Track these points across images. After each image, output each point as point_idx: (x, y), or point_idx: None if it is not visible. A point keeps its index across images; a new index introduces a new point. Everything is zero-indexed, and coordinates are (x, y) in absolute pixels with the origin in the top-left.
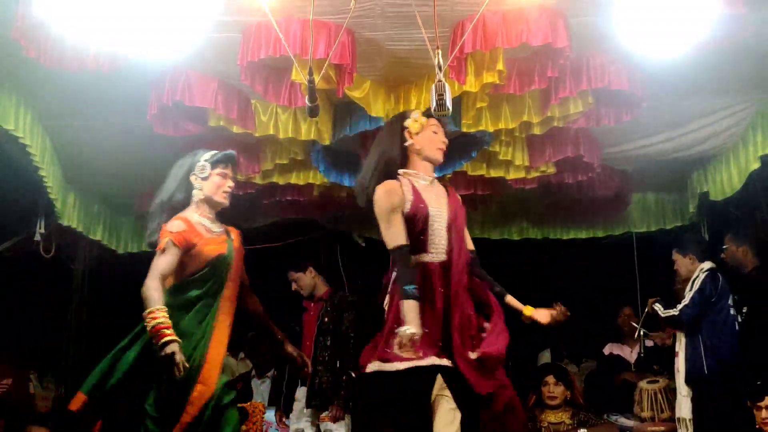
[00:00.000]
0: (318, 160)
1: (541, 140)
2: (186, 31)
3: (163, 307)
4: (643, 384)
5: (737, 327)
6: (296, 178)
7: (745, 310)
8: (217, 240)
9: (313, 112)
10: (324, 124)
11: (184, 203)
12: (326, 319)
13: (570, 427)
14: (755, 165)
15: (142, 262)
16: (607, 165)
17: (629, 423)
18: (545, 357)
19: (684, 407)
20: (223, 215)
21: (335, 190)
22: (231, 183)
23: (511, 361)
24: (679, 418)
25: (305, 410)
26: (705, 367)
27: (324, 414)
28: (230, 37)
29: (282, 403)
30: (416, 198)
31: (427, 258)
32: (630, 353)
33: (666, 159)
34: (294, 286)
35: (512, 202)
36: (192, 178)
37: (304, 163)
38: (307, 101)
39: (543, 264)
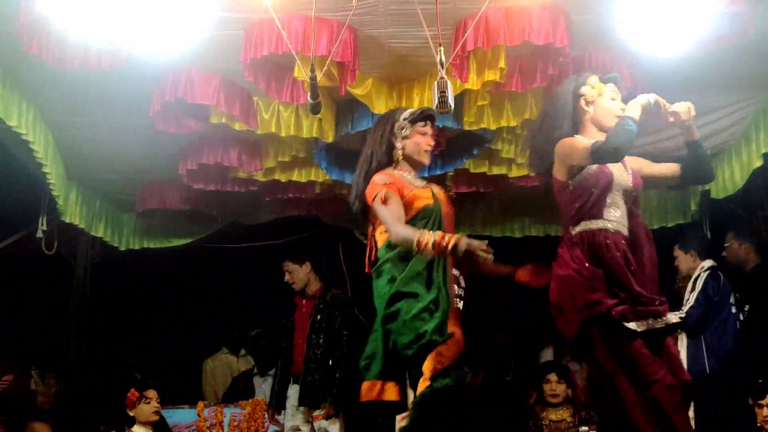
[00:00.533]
0: (320, 158)
1: None
2: (188, 29)
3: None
4: None
5: (738, 326)
6: (298, 176)
7: (747, 308)
8: (422, 192)
9: (315, 110)
10: (326, 121)
11: (386, 163)
12: (318, 317)
13: (571, 424)
14: (757, 162)
15: (143, 259)
16: None
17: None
18: (547, 354)
19: None
20: (226, 209)
21: (337, 187)
22: (431, 141)
23: (513, 358)
24: None
25: (299, 408)
26: (707, 367)
27: (317, 412)
28: (232, 35)
29: (274, 400)
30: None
31: None
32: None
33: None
34: (287, 277)
35: (514, 200)
36: (392, 138)
37: (306, 161)
38: (309, 98)
39: (545, 261)
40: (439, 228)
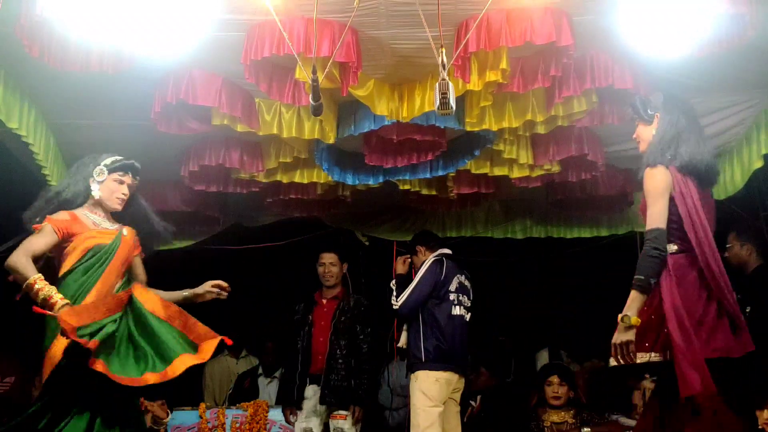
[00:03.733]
0: (322, 159)
1: (545, 139)
2: (190, 30)
3: (40, 275)
4: (646, 383)
5: None
6: (300, 177)
7: (748, 309)
8: (103, 233)
9: (317, 111)
10: (328, 122)
11: (78, 201)
12: (343, 319)
13: (573, 426)
14: (758, 163)
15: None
16: (611, 164)
17: (632, 422)
18: (543, 357)
19: None
20: (227, 211)
21: (339, 188)
22: (126, 190)
23: (514, 360)
24: None
25: (318, 407)
26: None
27: (338, 412)
28: (234, 36)
29: (295, 398)
30: None
31: None
32: None
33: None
34: (325, 270)
35: (516, 201)
36: (90, 181)
37: (308, 162)
38: (311, 100)
39: (546, 263)
40: (104, 264)
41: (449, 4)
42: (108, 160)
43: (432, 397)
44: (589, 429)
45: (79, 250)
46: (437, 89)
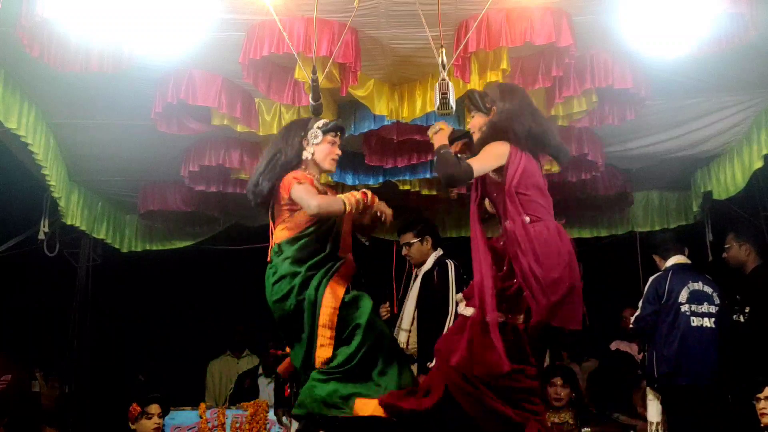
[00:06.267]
0: None
1: None
2: (190, 30)
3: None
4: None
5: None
6: None
7: (747, 310)
8: (326, 195)
9: (316, 111)
10: None
11: (295, 165)
12: None
13: (573, 426)
14: (759, 164)
15: (145, 261)
16: (611, 164)
17: (632, 422)
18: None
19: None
20: (227, 211)
21: (338, 188)
22: (338, 151)
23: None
24: None
25: None
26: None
27: None
28: (234, 36)
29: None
30: None
31: None
32: (638, 351)
33: (669, 158)
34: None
35: None
36: (303, 142)
37: None
38: (310, 100)
39: None
40: (338, 233)
41: (449, 4)
42: (319, 123)
43: None
44: (589, 429)
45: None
46: (437, 89)
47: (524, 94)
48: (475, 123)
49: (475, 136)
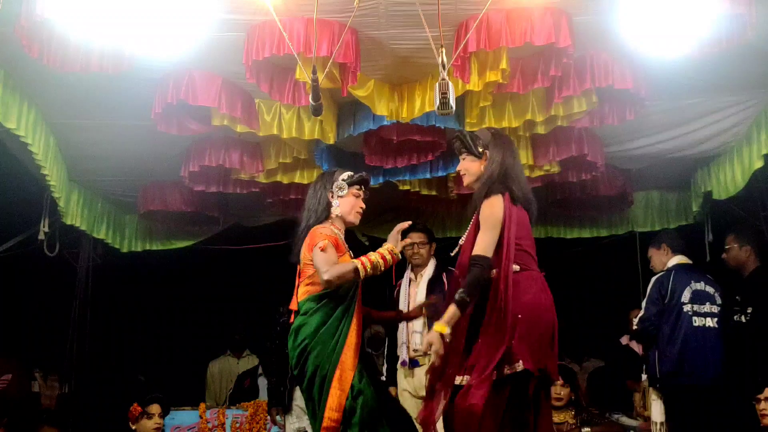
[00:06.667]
0: (322, 159)
1: (545, 139)
2: (190, 31)
3: (354, 260)
4: (645, 383)
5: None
6: (300, 177)
7: (750, 310)
8: (348, 253)
9: (316, 111)
10: (328, 123)
11: (324, 218)
12: None
13: (573, 426)
14: (759, 164)
15: (145, 261)
16: (611, 164)
17: (632, 422)
18: None
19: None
20: (227, 211)
21: None
22: (363, 204)
23: None
24: None
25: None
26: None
27: None
28: (234, 37)
29: (286, 402)
30: None
31: None
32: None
33: (669, 158)
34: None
35: None
36: (329, 195)
37: (308, 162)
38: (311, 100)
39: (546, 263)
40: (356, 290)
41: (449, 4)
42: (344, 175)
43: None
44: (589, 429)
45: None
46: (437, 89)
47: (511, 143)
48: (466, 166)
49: (465, 179)
